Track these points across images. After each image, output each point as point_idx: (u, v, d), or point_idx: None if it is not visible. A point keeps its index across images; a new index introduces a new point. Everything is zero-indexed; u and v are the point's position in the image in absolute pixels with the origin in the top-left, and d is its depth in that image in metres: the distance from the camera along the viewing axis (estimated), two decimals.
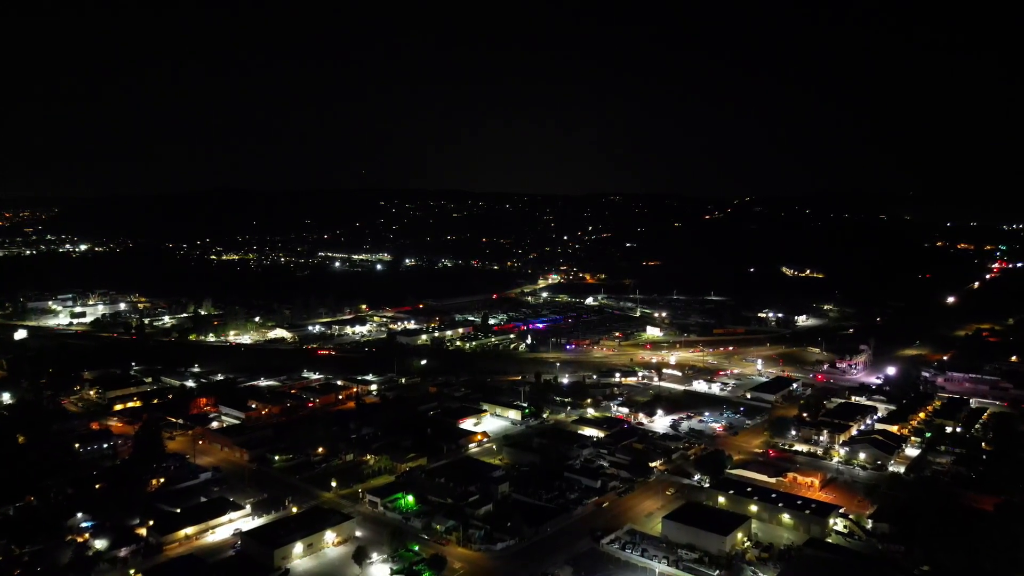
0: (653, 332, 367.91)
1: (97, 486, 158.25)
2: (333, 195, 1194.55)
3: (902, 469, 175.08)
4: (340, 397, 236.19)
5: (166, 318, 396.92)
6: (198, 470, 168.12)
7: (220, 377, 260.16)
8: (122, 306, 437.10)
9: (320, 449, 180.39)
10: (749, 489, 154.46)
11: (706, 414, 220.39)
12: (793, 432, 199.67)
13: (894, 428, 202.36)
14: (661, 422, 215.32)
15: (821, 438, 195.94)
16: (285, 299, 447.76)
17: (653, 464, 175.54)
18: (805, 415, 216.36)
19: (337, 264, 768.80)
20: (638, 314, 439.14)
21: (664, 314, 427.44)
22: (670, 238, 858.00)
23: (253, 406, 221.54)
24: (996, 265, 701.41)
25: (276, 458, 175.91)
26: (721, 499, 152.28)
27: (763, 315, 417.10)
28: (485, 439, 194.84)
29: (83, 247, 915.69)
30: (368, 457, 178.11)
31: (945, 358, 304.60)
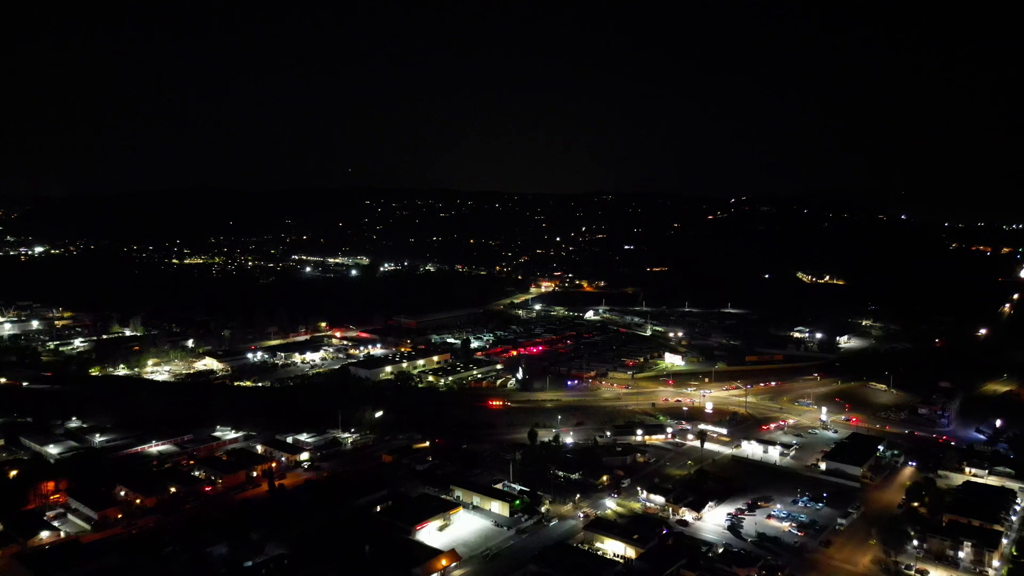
0: (672, 360, 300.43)
1: None
2: (316, 194, 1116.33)
3: None
4: (255, 475, 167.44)
5: (77, 341, 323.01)
6: None
7: (100, 438, 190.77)
8: (35, 324, 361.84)
9: None
10: None
11: (777, 506, 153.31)
12: (915, 542, 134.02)
13: None
14: (712, 517, 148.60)
15: (961, 554, 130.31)
16: (235, 313, 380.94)
17: None
18: (918, 506, 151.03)
19: (308, 269, 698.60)
20: (648, 332, 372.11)
21: (680, 333, 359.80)
22: (671, 240, 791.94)
23: (123, 493, 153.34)
24: None
25: None
26: None
27: (798, 335, 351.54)
28: (454, 565, 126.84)
29: (38, 249, 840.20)
30: None
31: None
